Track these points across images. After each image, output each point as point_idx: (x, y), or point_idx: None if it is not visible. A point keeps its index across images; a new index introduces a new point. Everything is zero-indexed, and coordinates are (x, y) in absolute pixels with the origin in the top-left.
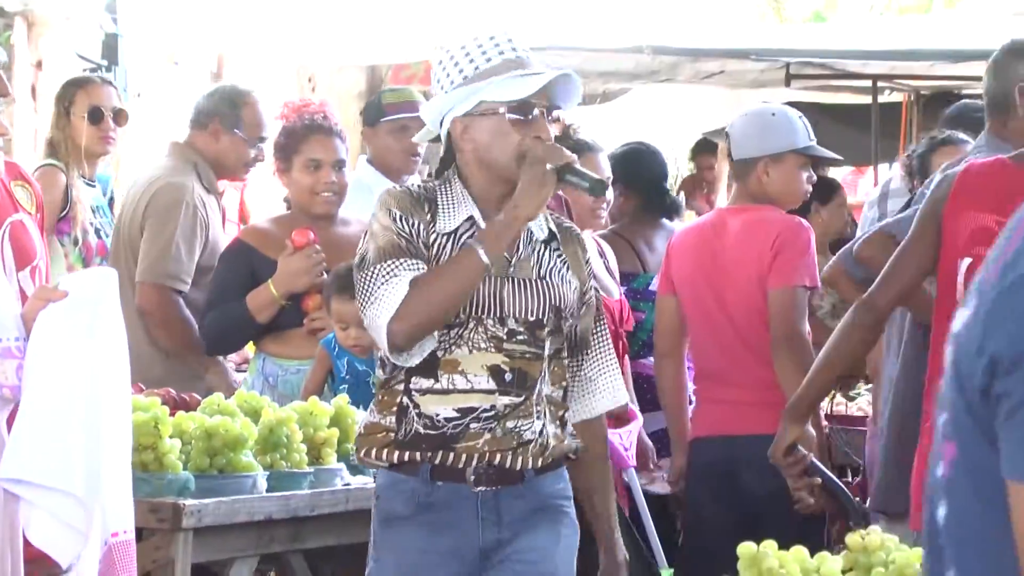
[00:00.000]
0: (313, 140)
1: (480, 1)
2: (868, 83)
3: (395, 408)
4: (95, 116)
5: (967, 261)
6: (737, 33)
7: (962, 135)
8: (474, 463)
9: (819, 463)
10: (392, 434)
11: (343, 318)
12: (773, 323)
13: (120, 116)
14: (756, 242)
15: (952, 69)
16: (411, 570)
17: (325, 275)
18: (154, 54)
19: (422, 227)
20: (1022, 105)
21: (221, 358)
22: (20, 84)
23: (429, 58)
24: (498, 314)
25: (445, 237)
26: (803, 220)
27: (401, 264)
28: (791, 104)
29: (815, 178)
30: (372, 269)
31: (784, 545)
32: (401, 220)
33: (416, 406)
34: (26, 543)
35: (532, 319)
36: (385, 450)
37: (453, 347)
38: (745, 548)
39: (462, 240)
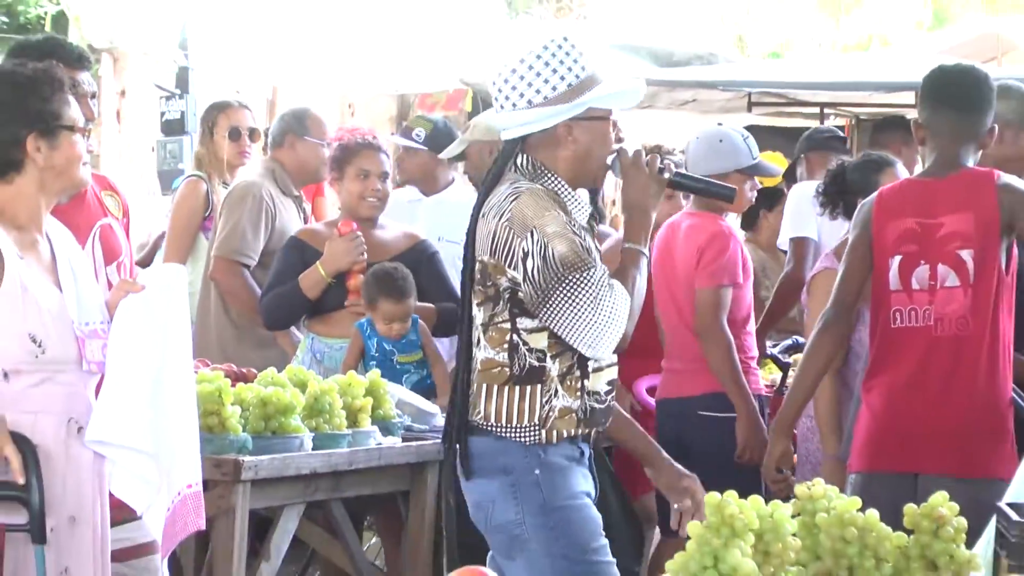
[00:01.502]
0: (364, 154)
1: (492, 39)
2: (816, 109)
3: (578, 392)
4: (234, 134)
5: (898, 258)
6: (707, 67)
7: (892, 156)
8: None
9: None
10: (576, 414)
11: (392, 316)
12: (697, 318)
13: (254, 134)
14: (689, 245)
15: (887, 98)
16: (588, 509)
17: (364, 256)
18: (219, 84)
19: (575, 226)
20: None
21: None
22: (107, 110)
23: (448, 88)
24: None
25: (584, 231)
26: (727, 227)
27: (603, 270)
28: (751, 127)
29: (759, 186)
30: (587, 275)
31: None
32: (568, 221)
33: (585, 387)
34: (110, 493)
35: None
36: (575, 428)
37: None
38: (711, 497)
39: (586, 232)
